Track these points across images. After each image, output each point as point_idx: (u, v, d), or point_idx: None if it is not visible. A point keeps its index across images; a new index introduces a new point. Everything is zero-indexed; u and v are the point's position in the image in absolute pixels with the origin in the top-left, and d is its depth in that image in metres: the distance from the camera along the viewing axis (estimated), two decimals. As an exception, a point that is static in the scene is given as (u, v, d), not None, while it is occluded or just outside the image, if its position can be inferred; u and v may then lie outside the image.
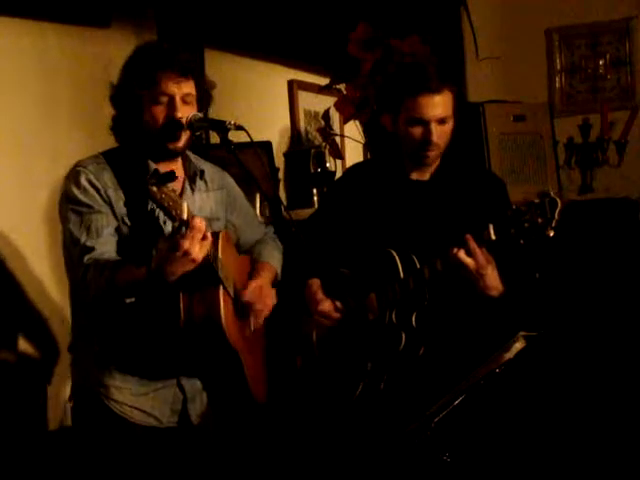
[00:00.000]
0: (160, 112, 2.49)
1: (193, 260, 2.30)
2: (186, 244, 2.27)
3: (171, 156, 2.58)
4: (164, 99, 2.49)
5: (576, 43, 4.40)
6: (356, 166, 3.13)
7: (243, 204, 2.88)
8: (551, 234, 2.45)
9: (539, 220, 2.45)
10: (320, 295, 2.88)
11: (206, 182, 2.70)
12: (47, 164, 3.51)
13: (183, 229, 2.26)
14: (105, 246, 2.46)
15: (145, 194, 2.48)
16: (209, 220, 2.65)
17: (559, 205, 2.44)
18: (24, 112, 3.50)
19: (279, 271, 2.85)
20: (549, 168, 4.01)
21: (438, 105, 2.74)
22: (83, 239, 2.45)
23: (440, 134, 2.76)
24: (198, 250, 2.29)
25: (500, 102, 4.07)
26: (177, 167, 2.63)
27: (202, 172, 2.68)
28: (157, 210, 2.50)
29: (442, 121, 2.76)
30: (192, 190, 2.64)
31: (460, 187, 2.86)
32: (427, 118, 2.74)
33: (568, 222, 2.52)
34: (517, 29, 4.40)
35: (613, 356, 3.52)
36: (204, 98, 2.59)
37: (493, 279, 2.66)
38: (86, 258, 2.42)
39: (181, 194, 2.60)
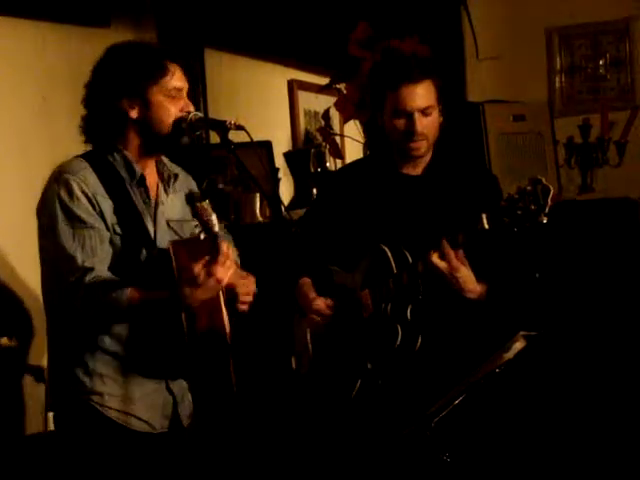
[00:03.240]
0: (174, 106, 2.47)
1: (222, 285, 2.33)
2: (220, 272, 2.28)
3: (176, 150, 2.56)
4: (176, 93, 2.47)
5: (576, 43, 4.40)
6: (349, 165, 3.16)
7: None
8: (544, 220, 2.46)
9: (532, 207, 2.46)
10: (312, 294, 2.89)
11: (176, 185, 2.65)
12: (47, 163, 3.48)
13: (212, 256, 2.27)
14: (101, 264, 2.41)
15: (130, 200, 2.48)
16: (181, 222, 2.62)
17: (551, 191, 2.45)
18: (24, 112, 3.50)
19: (238, 260, 2.78)
20: (549, 168, 4.01)
21: (420, 95, 2.76)
22: (80, 258, 2.38)
23: (425, 124, 2.78)
24: (227, 275, 2.31)
25: (500, 102, 4.08)
26: (153, 169, 2.59)
27: (176, 176, 2.64)
28: (145, 216, 2.50)
29: (425, 111, 2.77)
30: (166, 193, 2.61)
31: (452, 182, 2.88)
32: (409, 109, 2.76)
33: (568, 222, 2.53)
34: (517, 29, 4.40)
35: (613, 356, 3.52)
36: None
37: (468, 282, 2.68)
38: (88, 279, 2.36)
39: (157, 196, 2.57)
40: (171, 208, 2.61)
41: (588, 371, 3.49)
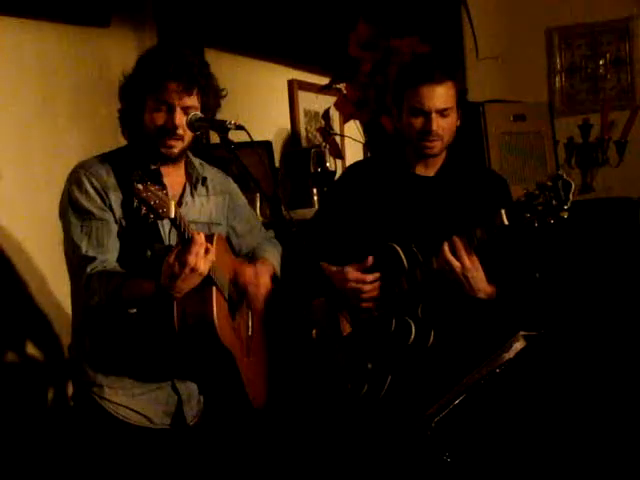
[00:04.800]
0: (159, 118, 2.53)
1: (200, 274, 2.35)
2: (192, 261, 2.31)
3: (165, 160, 2.60)
4: (164, 107, 2.53)
5: (576, 43, 4.40)
6: (356, 164, 3.12)
7: (245, 210, 2.91)
8: (565, 216, 2.47)
9: (553, 202, 2.47)
10: (335, 267, 2.84)
11: (207, 188, 2.73)
12: (47, 163, 3.51)
13: (187, 246, 2.31)
14: (105, 255, 2.48)
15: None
16: (209, 224, 2.68)
17: (573, 187, 2.45)
18: (24, 111, 3.50)
19: (278, 268, 2.85)
20: (549, 168, 4.01)
21: (439, 96, 2.76)
22: (84, 248, 2.47)
23: (441, 125, 2.78)
24: (203, 264, 2.33)
25: (500, 102, 4.07)
26: (180, 171, 2.67)
27: (204, 179, 2.72)
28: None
29: (443, 112, 2.77)
30: (192, 195, 2.68)
31: (465, 184, 2.87)
32: (427, 108, 2.76)
33: (568, 222, 2.53)
34: (517, 29, 4.40)
35: (613, 356, 3.52)
36: (210, 107, 2.62)
37: (479, 281, 2.68)
38: (89, 268, 2.45)
39: (181, 197, 2.64)
40: (198, 210, 2.68)
41: (588, 371, 3.49)
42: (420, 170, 2.89)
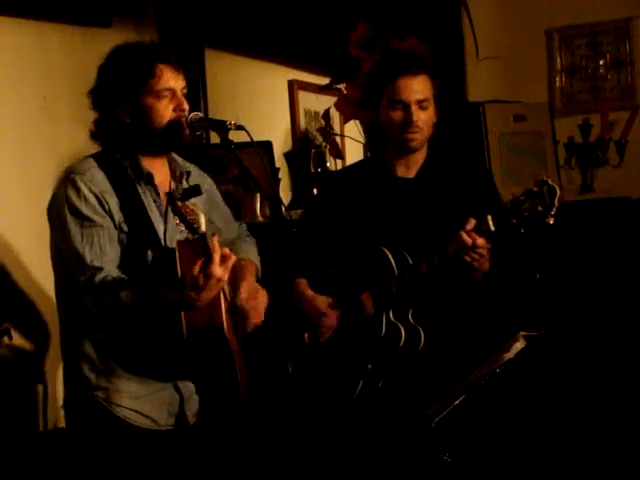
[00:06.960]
0: (165, 107, 2.48)
1: (222, 283, 2.34)
2: (219, 272, 2.30)
3: (176, 150, 2.59)
4: (167, 93, 2.48)
5: (576, 43, 4.40)
6: (348, 167, 3.18)
7: (222, 204, 2.87)
8: (551, 222, 2.46)
9: (539, 208, 2.46)
10: (310, 292, 2.89)
11: (189, 183, 2.67)
12: (47, 163, 3.51)
13: (210, 257, 2.28)
14: (110, 264, 2.44)
15: (137, 198, 2.50)
16: None
17: (558, 192, 2.45)
18: (24, 111, 3.50)
19: (259, 266, 2.84)
20: (549, 168, 4.01)
21: (417, 88, 2.80)
22: (88, 257, 2.42)
23: (421, 117, 2.80)
24: (226, 272, 2.33)
25: (500, 102, 4.07)
26: (165, 168, 2.62)
27: (188, 173, 2.67)
28: (155, 214, 2.51)
29: (422, 104, 2.80)
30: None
31: (446, 183, 2.88)
32: (407, 100, 2.79)
33: (568, 222, 2.53)
34: (517, 29, 4.41)
35: (613, 356, 3.52)
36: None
37: (486, 262, 2.69)
38: (97, 279, 2.40)
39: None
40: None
41: (588, 371, 3.49)
42: (401, 171, 2.90)
